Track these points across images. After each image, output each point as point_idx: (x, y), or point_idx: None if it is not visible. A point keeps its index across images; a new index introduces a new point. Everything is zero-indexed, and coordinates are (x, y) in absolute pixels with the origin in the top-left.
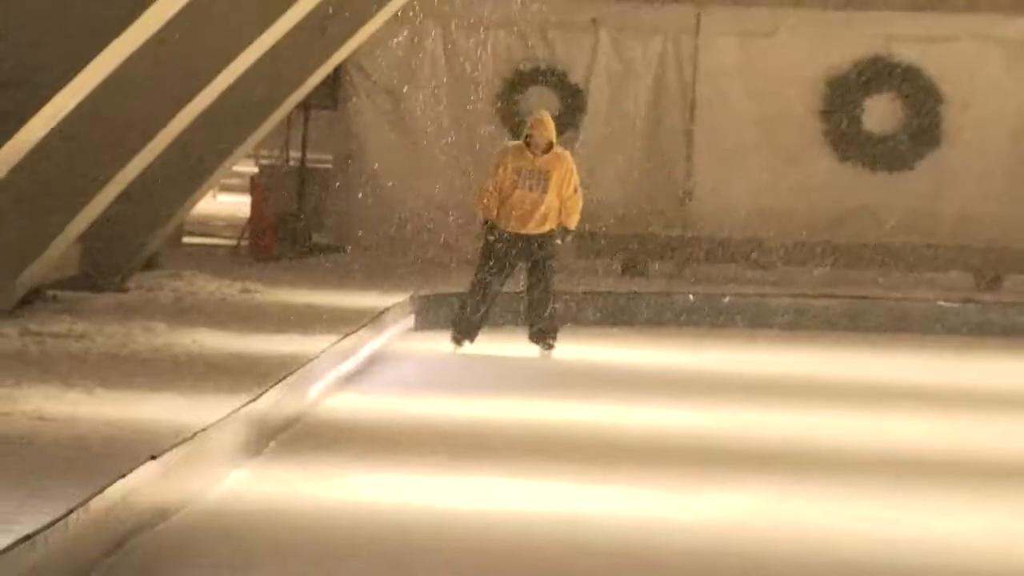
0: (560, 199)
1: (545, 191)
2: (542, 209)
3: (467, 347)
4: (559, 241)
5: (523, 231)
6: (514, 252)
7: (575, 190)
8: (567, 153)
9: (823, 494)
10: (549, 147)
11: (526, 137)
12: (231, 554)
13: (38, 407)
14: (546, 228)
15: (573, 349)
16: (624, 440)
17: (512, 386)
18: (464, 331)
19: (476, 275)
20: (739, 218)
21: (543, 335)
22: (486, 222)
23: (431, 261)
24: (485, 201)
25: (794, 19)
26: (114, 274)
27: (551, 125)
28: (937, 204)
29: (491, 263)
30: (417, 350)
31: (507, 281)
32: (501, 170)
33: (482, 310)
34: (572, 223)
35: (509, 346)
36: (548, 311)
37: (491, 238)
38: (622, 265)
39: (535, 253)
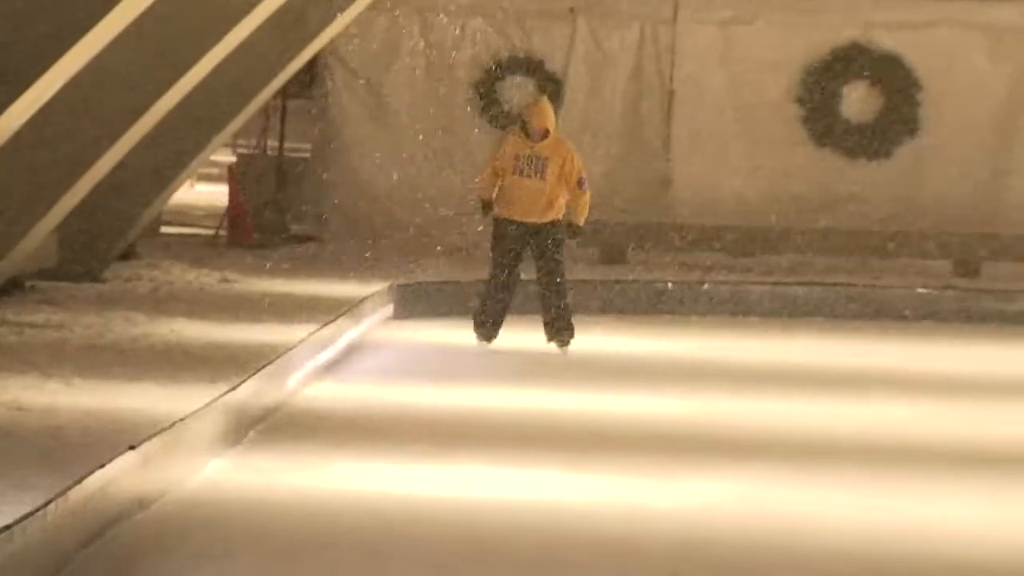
0: (564, 188)
1: (543, 177)
2: (544, 196)
3: (495, 342)
4: (570, 239)
5: (527, 220)
6: (522, 241)
7: (580, 184)
8: (568, 141)
9: (804, 482)
10: (546, 134)
11: (523, 124)
12: (210, 543)
13: (16, 397)
14: (551, 217)
15: None
16: (605, 428)
17: (492, 375)
18: (487, 327)
19: (491, 268)
20: (718, 205)
21: (556, 332)
22: (483, 204)
23: (410, 250)
24: (480, 181)
25: (772, 5)
26: (92, 264)
27: (548, 111)
28: (915, 192)
29: (501, 254)
30: (396, 339)
31: (521, 268)
32: (500, 155)
33: (501, 303)
34: (581, 220)
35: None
36: (559, 306)
37: (498, 230)
38: (601, 253)
39: (541, 244)
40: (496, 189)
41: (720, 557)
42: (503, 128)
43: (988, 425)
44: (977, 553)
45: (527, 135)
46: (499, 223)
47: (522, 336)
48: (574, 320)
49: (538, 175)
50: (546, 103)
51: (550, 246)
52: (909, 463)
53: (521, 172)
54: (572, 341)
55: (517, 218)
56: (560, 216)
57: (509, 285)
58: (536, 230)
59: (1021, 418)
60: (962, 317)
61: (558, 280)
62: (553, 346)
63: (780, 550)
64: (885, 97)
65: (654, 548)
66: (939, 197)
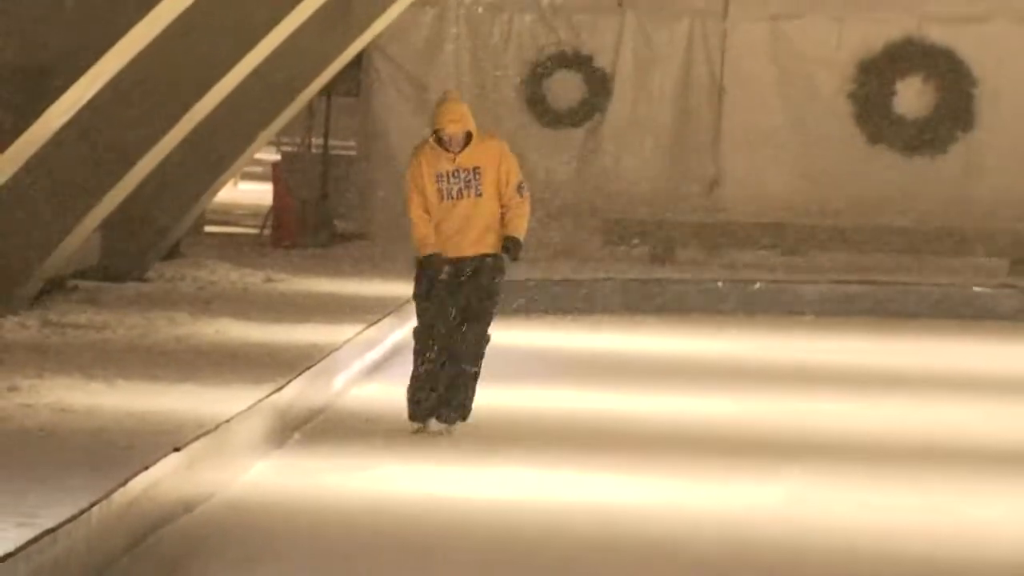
0: (501, 202)
1: (480, 193)
2: (483, 219)
3: (433, 425)
4: (508, 258)
5: (458, 255)
6: (455, 283)
7: (519, 189)
8: (496, 137)
9: (856, 484)
10: (468, 138)
11: (435, 132)
12: (256, 546)
13: (59, 398)
14: (488, 247)
15: (599, 338)
16: (652, 429)
17: (538, 375)
18: (423, 403)
19: (417, 325)
20: (768, 203)
21: (446, 403)
22: (433, 259)
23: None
24: (422, 231)
25: (824, 1)
26: (135, 264)
27: (462, 109)
28: (970, 188)
29: (429, 303)
30: None
31: (456, 311)
32: (416, 179)
33: (435, 364)
34: (520, 231)
35: (534, 334)
36: (466, 371)
37: (423, 274)
38: (650, 251)
39: (470, 284)
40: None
41: (767, 559)
42: (549, 126)
43: None
44: None
45: (442, 145)
46: (424, 268)
47: (569, 336)
48: (470, 398)
49: (472, 191)
50: (456, 98)
51: (483, 288)
52: (964, 464)
53: (449, 194)
54: (461, 423)
55: (446, 255)
56: (499, 246)
57: (445, 339)
58: (469, 267)
59: None
60: (1019, 315)
61: (479, 335)
62: (432, 421)
63: (828, 552)
64: (939, 92)
65: (701, 550)
66: (994, 193)
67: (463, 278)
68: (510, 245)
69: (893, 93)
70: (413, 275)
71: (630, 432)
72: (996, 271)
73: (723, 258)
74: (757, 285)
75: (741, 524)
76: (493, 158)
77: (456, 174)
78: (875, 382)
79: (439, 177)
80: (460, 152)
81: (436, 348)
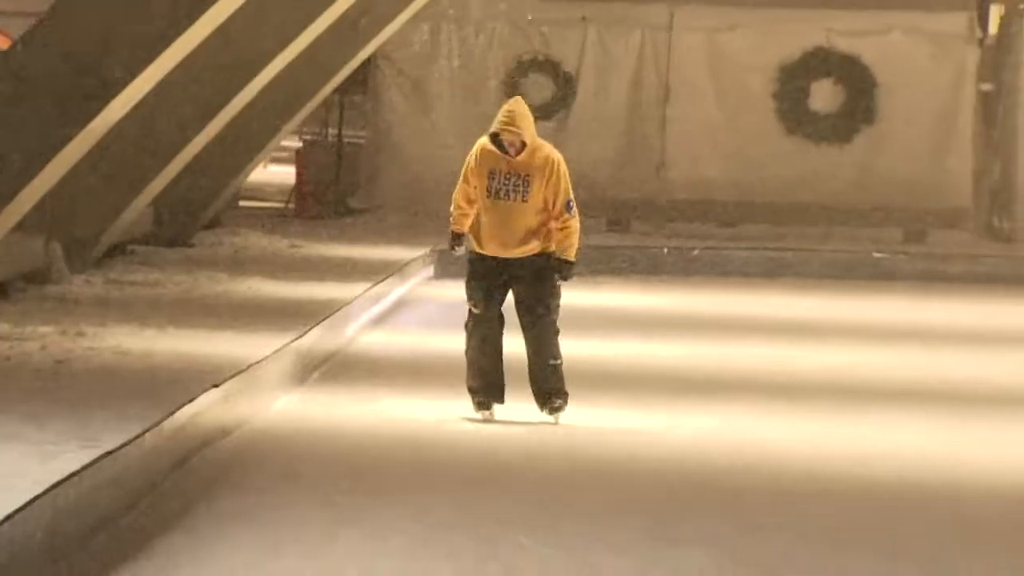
0: (548, 212)
1: (525, 198)
2: (525, 222)
3: (496, 409)
4: (559, 278)
5: (504, 255)
6: (501, 280)
7: (568, 207)
8: (549, 146)
9: (778, 414)
10: (524, 146)
11: (493, 134)
12: (281, 465)
13: (119, 343)
14: (534, 249)
15: (566, 295)
16: (610, 369)
17: (515, 324)
18: (485, 391)
19: (469, 320)
20: (705, 183)
21: (547, 397)
22: (454, 238)
23: (447, 220)
24: (454, 212)
25: (752, 16)
26: (182, 232)
27: (526, 115)
28: (871, 171)
29: (481, 299)
30: (436, 295)
31: (502, 304)
32: (471, 175)
33: (491, 356)
34: (571, 252)
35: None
36: (551, 365)
37: (472, 268)
38: (607, 223)
39: (525, 284)
40: (472, 217)
41: (709, 476)
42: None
43: (932, 367)
44: (924, 473)
45: (500, 147)
46: (473, 260)
47: None
48: (566, 383)
49: (518, 195)
50: (522, 105)
51: (537, 286)
52: (867, 399)
53: (497, 193)
54: (566, 407)
55: (491, 253)
56: (550, 247)
57: (495, 329)
58: (518, 267)
59: (957, 361)
60: (911, 277)
61: (549, 331)
62: (544, 415)
63: (758, 471)
64: (846, 92)
65: (653, 467)
66: (891, 175)
67: (508, 276)
68: (562, 267)
69: (808, 93)
70: (466, 275)
71: (592, 371)
72: (893, 240)
73: (668, 229)
74: (695, 251)
75: (683, 447)
76: (541, 169)
77: (508, 176)
78: (794, 331)
79: (491, 175)
80: (515, 157)
81: (485, 339)
